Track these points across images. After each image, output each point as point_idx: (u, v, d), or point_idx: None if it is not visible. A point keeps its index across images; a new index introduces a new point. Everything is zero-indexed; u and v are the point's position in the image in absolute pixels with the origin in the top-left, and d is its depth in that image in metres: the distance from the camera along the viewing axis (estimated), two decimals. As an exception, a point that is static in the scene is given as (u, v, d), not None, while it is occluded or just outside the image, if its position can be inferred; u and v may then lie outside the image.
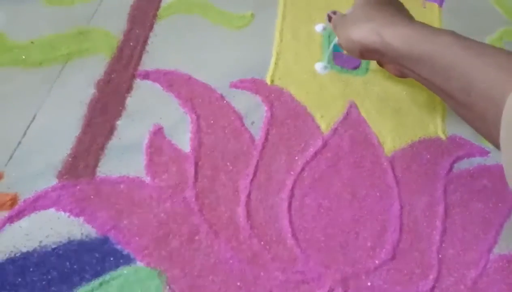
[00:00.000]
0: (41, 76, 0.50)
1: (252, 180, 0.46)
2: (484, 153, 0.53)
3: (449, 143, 0.53)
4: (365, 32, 0.42)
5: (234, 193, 0.45)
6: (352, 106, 0.54)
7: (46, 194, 0.42)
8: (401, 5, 0.45)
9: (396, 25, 0.40)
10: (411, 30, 0.39)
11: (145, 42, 0.55)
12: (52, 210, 0.41)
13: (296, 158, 0.49)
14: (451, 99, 0.36)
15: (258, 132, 0.50)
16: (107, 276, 0.39)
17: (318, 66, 0.57)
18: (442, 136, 0.53)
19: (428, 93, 0.56)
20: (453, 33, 0.36)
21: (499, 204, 0.49)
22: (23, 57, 0.51)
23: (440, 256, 0.45)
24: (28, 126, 0.46)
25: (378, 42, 0.41)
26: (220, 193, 0.45)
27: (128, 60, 0.53)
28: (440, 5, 0.68)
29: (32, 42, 0.52)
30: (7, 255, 0.38)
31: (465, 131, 0.54)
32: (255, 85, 0.53)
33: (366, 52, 0.43)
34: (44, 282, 0.37)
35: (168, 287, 0.39)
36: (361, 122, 0.53)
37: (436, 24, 0.65)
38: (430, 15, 0.67)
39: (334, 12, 0.52)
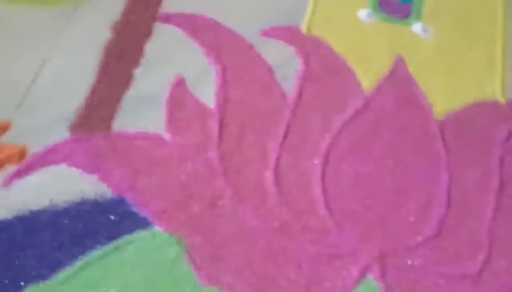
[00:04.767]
0: (53, 15, 0.47)
1: (282, 142, 0.44)
2: (549, 121, 0.48)
3: (508, 108, 0.49)
4: None
5: (262, 155, 0.43)
6: (399, 62, 0.50)
7: (57, 147, 0.40)
8: None
9: None
10: None
11: (168, -20, 0.51)
12: (63, 166, 0.40)
13: (333, 118, 0.46)
14: None
15: (290, 89, 0.47)
16: (122, 240, 0.37)
17: (362, 13, 0.53)
18: (501, 100, 0.49)
19: (489, 48, 0.52)
20: None
21: None
22: (33, -7, 0.48)
23: (491, 235, 0.41)
24: (39, 71, 0.44)
25: None
26: (246, 154, 0.43)
27: (148, 0, 0.50)
28: None
29: (43, -23, 0.49)
30: (15, 213, 0.37)
31: (529, 95, 0.49)
32: (289, 34, 0.51)
33: None
34: (54, 244, 0.35)
35: (188, 255, 0.37)
36: (408, 81, 0.49)
37: None
38: None
39: None
